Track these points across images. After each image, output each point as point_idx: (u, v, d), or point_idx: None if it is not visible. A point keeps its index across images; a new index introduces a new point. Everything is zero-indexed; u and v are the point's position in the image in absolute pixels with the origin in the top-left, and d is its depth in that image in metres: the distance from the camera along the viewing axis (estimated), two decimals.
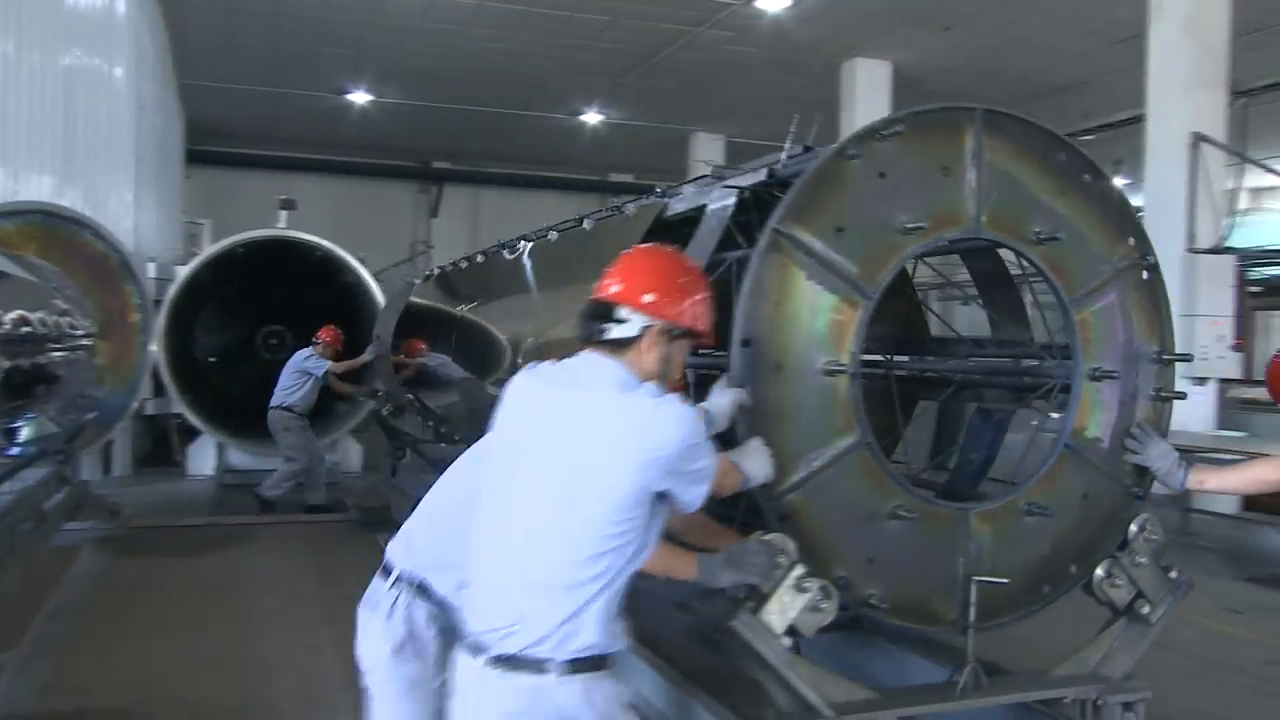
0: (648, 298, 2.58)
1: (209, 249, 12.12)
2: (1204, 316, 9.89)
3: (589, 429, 2.45)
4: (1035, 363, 4.13)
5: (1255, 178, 13.78)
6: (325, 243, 12.03)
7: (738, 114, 18.27)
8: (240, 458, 12.12)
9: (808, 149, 3.63)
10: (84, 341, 8.79)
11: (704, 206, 4.05)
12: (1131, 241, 3.71)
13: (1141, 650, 3.53)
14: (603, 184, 25.24)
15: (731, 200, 3.79)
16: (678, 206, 4.39)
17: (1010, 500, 3.51)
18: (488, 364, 6.92)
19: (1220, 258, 10.19)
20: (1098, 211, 3.65)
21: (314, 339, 10.55)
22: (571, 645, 2.37)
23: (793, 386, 3.15)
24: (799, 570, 2.97)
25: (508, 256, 7.05)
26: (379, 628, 3.12)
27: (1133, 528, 3.58)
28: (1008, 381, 4.32)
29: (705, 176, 4.40)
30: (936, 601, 3.37)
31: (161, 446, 12.96)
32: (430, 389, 9.33)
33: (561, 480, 2.43)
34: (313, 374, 10.28)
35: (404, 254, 22.85)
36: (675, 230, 4.42)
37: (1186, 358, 3.99)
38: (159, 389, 11.26)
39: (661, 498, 2.48)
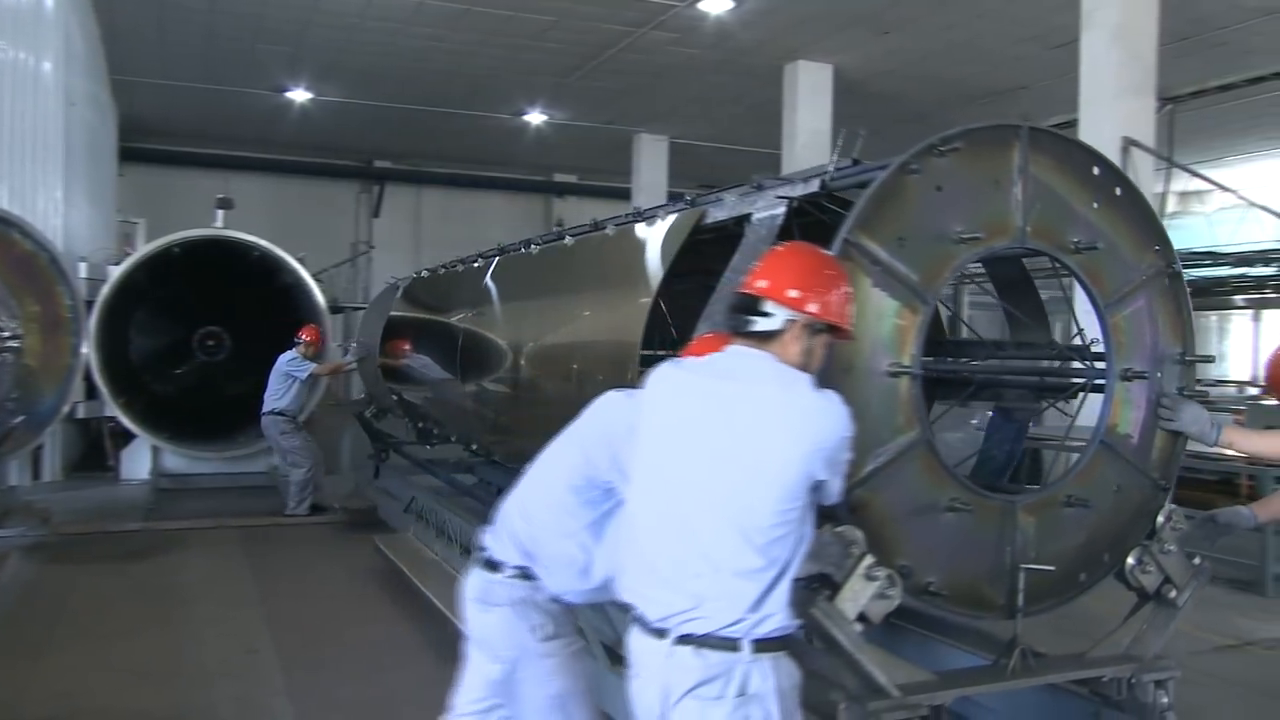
0: (792, 293, 2.71)
1: (143, 249, 11.92)
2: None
3: (757, 420, 2.59)
4: (1060, 364, 4.43)
5: (1182, 182, 14.18)
6: (263, 242, 11.89)
7: (682, 115, 18.32)
8: (176, 461, 11.91)
9: (855, 162, 3.86)
10: (11, 343, 8.58)
11: (747, 215, 4.24)
12: (1157, 249, 3.97)
13: (1170, 632, 3.78)
14: (547, 184, 25.16)
15: (781, 209, 4.01)
16: (717, 214, 4.58)
17: (1052, 493, 3.76)
18: (500, 367, 6.80)
19: None
20: (1127, 221, 3.89)
21: (295, 339, 10.53)
22: (762, 629, 2.54)
23: (861, 387, 3.31)
24: (868, 560, 3.15)
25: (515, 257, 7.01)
26: (512, 620, 3.25)
27: (1160, 518, 3.85)
28: (1041, 383, 4.58)
29: (743, 185, 4.57)
30: (986, 589, 3.59)
31: (94, 451, 12.67)
32: (422, 391, 9.19)
33: (734, 469, 2.56)
34: (296, 377, 10.18)
35: (345, 254, 22.55)
36: (711, 236, 4.63)
37: (1209, 359, 4.30)
38: (91, 391, 11.01)
39: (813, 489, 2.63)
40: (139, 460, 11.89)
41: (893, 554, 3.33)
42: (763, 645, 2.55)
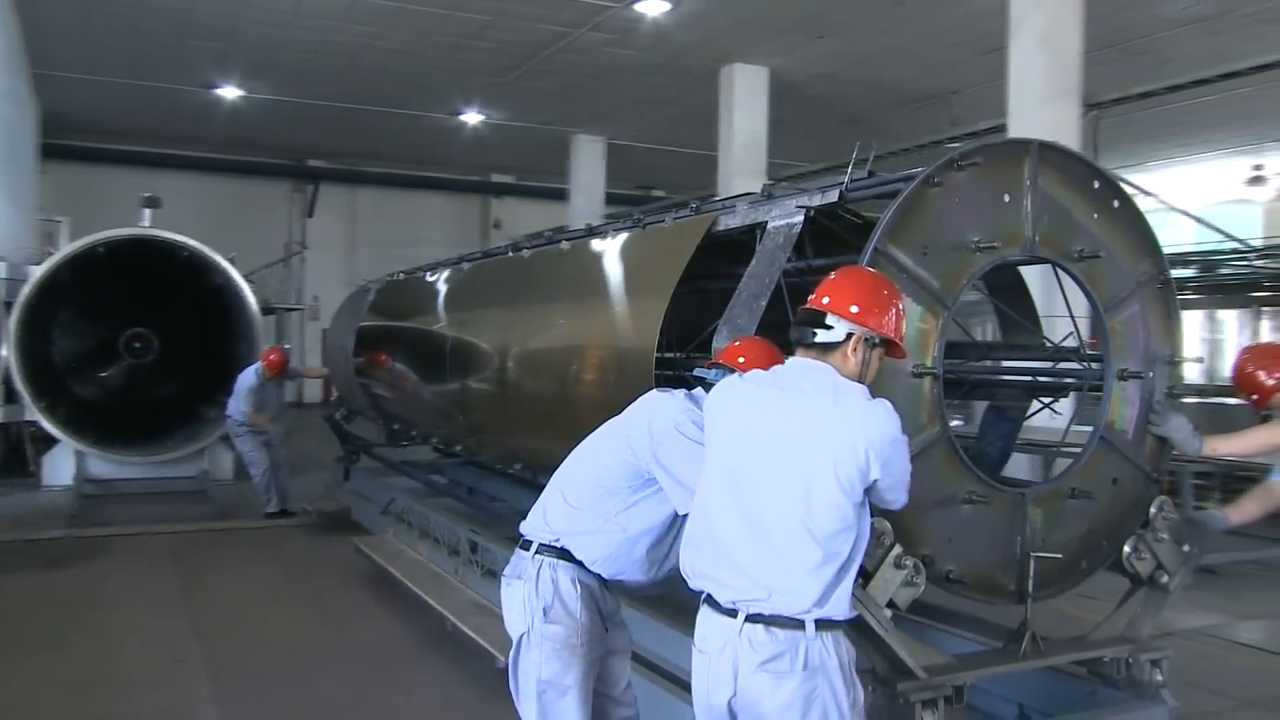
0: (854, 308, 2.98)
1: (66, 248, 11.58)
2: (1061, 317, 10.33)
3: (817, 425, 2.84)
4: (1053, 365, 4.71)
5: None
6: (192, 242, 11.63)
7: (619, 116, 18.34)
8: (102, 466, 11.57)
9: (871, 174, 4.08)
10: None
11: (762, 223, 4.41)
12: (1150, 258, 4.22)
13: (1160, 614, 4.08)
14: (484, 185, 25.01)
15: (799, 218, 4.19)
16: (729, 221, 4.73)
17: (1058, 485, 4.01)
18: (499, 371, 6.69)
19: None
20: (1124, 231, 4.14)
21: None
22: (823, 613, 2.79)
23: (889, 387, 3.48)
24: (897, 550, 3.36)
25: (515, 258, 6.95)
26: (527, 594, 3.41)
27: (1153, 509, 4.08)
28: (1047, 383, 4.83)
29: (751, 194, 4.75)
30: (999, 576, 3.82)
31: (14, 456, 12.27)
32: (405, 394, 9.06)
33: (797, 471, 2.81)
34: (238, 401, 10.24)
35: (277, 254, 22.16)
36: (721, 242, 4.75)
37: (1197, 359, 4.60)
38: (10, 395, 10.69)
39: (869, 489, 2.86)
40: (61, 465, 11.53)
41: (917, 544, 3.53)
42: (823, 625, 2.80)
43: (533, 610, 3.37)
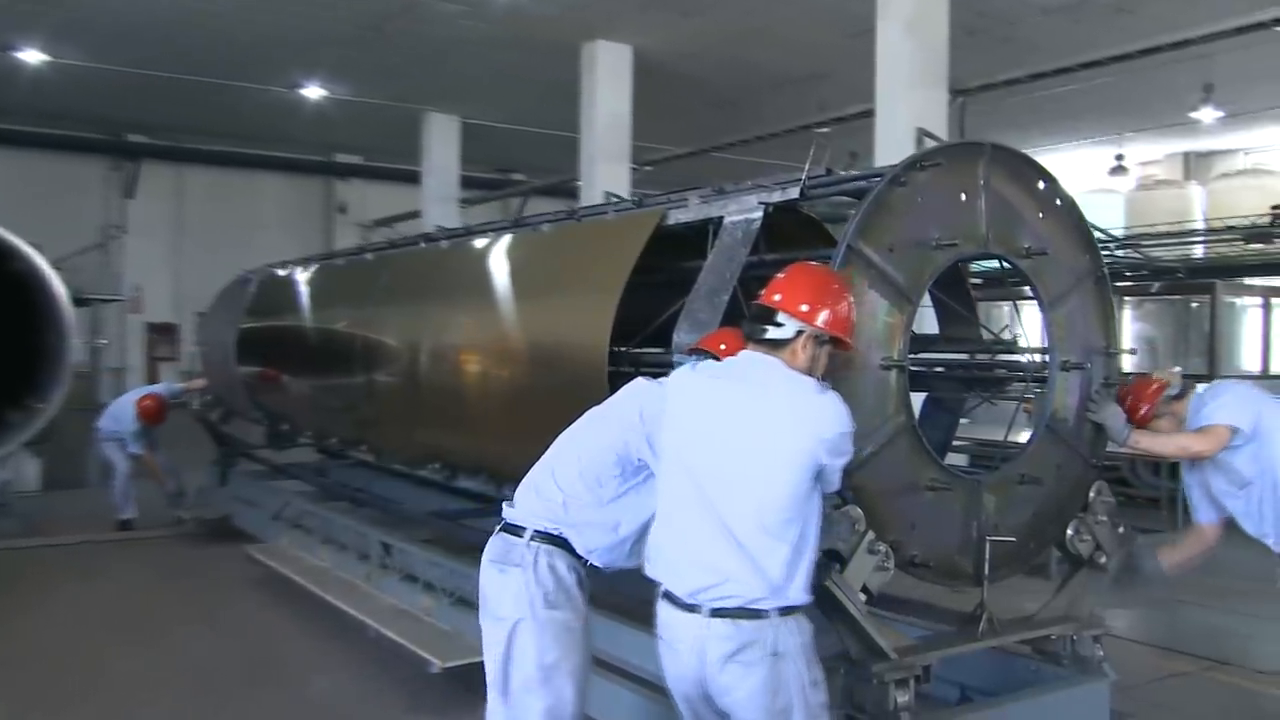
0: (804, 306, 3.14)
1: None
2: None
3: (769, 417, 3.00)
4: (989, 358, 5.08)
5: None
6: None
7: (473, 94, 17.49)
8: None
9: (829, 171, 4.31)
10: None
11: (716, 218, 4.54)
12: (1088, 255, 4.51)
13: (1099, 594, 4.53)
14: (329, 165, 23.72)
15: (758, 214, 4.33)
16: (680, 216, 4.83)
17: (1009, 472, 4.26)
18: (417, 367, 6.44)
19: None
20: (1064, 229, 4.42)
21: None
22: (785, 600, 2.95)
23: (860, 379, 3.69)
24: (870, 536, 3.58)
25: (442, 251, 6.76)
26: (525, 582, 3.43)
27: (1092, 493, 4.40)
28: (986, 375, 5.15)
29: (703, 188, 4.87)
30: (957, 559, 4.06)
31: None
32: (300, 394, 8.38)
33: (749, 460, 2.96)
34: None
35: (93, 239, 20.33)
36: (674, 237, 4.84)
37: (1130, 351, 5.11)
38: None
39: (817, 476, 3.00)
40: None
41: (885, 530, 3.72)
42: (785, 611, 2.96)
43: (531, 597, 3.41)
